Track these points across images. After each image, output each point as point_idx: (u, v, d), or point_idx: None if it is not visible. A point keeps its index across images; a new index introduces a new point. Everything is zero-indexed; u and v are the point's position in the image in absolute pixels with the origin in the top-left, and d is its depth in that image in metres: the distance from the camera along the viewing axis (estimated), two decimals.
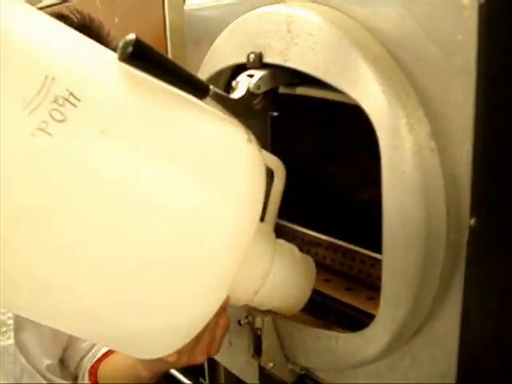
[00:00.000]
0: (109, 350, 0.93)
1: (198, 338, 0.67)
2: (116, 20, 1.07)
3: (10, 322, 0.84)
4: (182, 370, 1.24)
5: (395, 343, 0.61)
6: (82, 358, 0.94)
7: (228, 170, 0.55)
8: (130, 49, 0.48)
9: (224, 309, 0.66)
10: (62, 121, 0.44)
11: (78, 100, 0.45)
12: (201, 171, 0.52)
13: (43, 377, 0.88)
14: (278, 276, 0.68)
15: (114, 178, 0.47)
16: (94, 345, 0.94)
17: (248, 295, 0.68)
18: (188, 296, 0.54)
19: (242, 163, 0.56)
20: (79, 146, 0.45)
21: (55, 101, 0.44)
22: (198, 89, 0.55)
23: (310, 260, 0.74)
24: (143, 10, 1.02)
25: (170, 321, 0.56)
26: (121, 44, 0.49)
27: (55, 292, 0.50)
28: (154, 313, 0.54)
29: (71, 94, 0.45)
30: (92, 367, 0.93)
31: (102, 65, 0.51)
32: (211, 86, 0.56)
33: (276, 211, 0.71)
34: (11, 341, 0.84)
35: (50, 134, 0.43)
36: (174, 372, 1.24)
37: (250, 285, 0.66)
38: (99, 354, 0.94)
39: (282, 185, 0.71)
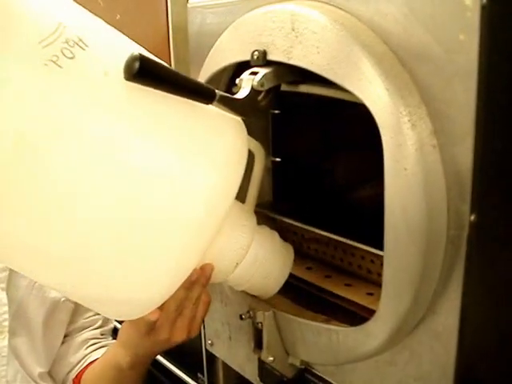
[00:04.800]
0: (93, 360, 0.92)
1: (179, 311, 0.68)
2: (118, 17, 1.07)
3: (6, 323, 0.85)
4: (180, 365, 1.24)
5: (395, 337, 0.62)
6: (68, 373, 0.94)
7: (211, 146, 0.59)
8: (136, 68, 0.50)
9: (205, 285, 0.68)
10: (71, 58, 0.51)
11: (86, 45, 0.52)
12: (184, 142, 0.57)
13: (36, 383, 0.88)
14: (259, 250, 0.70)
15: (109, 117, 0.53)
16: (81, 359, 0.94)
17: (229, 266, 0.69)
18: (164, 254, 0.58)
19: (224, 143, 0.61)
20: (84, 80, 0.52)
21: (66, 42, 0.51)
22: (204, 95, 0.57)
23: (289, 247, 0.77)
24: (145, 7, 1.03)
25: (145, 279, 0.59)
26: (125, 63, 0.51)
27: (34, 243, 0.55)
28: (129, 271, 0.58)
29: (80, 39, 0.52)
30: (76, 377, 0.92)
31: (105, 25, 0.60)
32: (217, 91, 0.57)
33: (256, 192, 0.75)
34: (5, 342, 0.85)
35: (60, 67, 0.50)
36: (172, 367, 1.25)
37: (232, 254, 0.68)
38: (84, 365, 0.93)
39: (262, 168, 0.75)
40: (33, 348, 0.89)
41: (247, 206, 0.74)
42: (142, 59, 0.50)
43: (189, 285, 0.66)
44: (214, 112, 0.60)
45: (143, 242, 0.57)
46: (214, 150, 0.59)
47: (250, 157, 0.69)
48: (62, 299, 0.91)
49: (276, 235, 0.75)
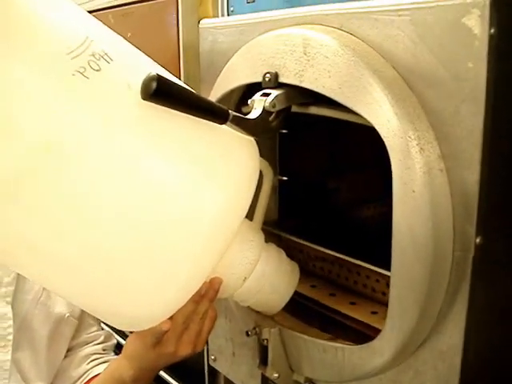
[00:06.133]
0: (94, 376, 0.92)
1: (186, 325, 0.69)
2: (129, 35, 1.09)
3: (10, 337, 0.85)
4: (182, 381, 1.25)
5: (400, 356, 0.63)
6: None
7: (224, 166, 0.61)
8: (153, 88, 0.52)
9: (212, 299, 0.69)
10: (97, 70, 0.53)
11: (111, 59, 0.55)
12: (198, 161, 0.59)
13: None
14: (265, 266, 0.72)
15: (128, 130, 0.55)
16: (83, 374, 0.93)
17: (237, 281, 0.70)
18: (175, 267, 0.60)
19: (237, 162, 0.63)
20: (109, 92, 0.54)
21: (93, 55, 0.53)
22: (218, 116, 0.59)
23: (295, 265, 0.78)
24: (156, 25, 1.05)
25: (155, 290, 0.61)
26: (143, 83, 0.53)
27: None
28: (140, 282, 0.60)
29: (106, 54, 0.55)
30: None
31: (126, 42, 0.62)
32: (230, 111, 0.59)
33: (264, 211, 0.77)
34: (8, 356, 0.84)
35: (87, 77, 0.52)
36: (174, 383, 1.25)
37: (240, 268, 0.69)
38: (85, 380, 0.93)
39: (270, 187, 0.77)
40: (36, 362, 0.89)
41: (255, 223, 0.75)
42: (160, 80, 0.52)
43: (198, 298, 0.67)
44: (227, 131, 0.61)
45: (155, 253, 0.58)
46: (227, 169, 0.61)
47: (259, 176, 0.70)
48: (67, 315, 0.91)
49: (282, 253, 0.77)
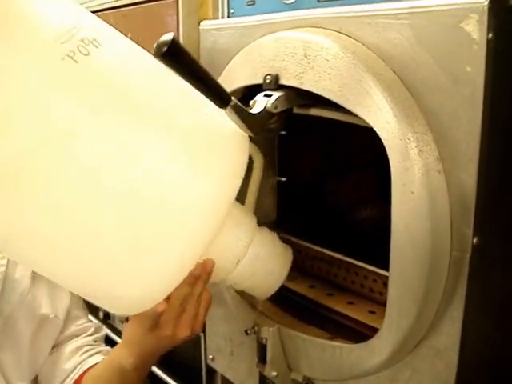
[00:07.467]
0: (89, 367, 0.92)
1: (182, 307, 0.70)
2: (129, 36, 1.10)
3: None
4: (180, 380, 1.25)
5: (397, 355, 0.64)
6: (63, 380, 0.92)
7: (214, 152, 0.62)
8: (165, 48, 0.52)
9: (206, 280, 0.70)
10: (86, 54, 0.55)
11: (100, 44, 0.56)
12: (189, 148, 0.60)
13: None
14: (259, 248, 0.72)
15: (124, 107, 0.57)
16: (77, 366, 0.92)
17: (231, 263, 0.71)
18: (168, 247, 0.61)
19: (226, 150, 0.64)
20: (98, 75, 0.56)
21: (82, 40, 0.55)
22: (220, 98, 0.59)
23: (288, 248, 0.79)
24: (156, 27, 1.05)
25: (150, 271, 0.62)
26: (158, 42, 0.53)
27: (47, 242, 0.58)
28: (135, 263, 0.61)
29: (94, 39, 0.56)
30: (73, 383, 0.92)
31: (115, 31, 0.63)
32: (233, 98, 0.59)
33: (255, 194, 0.78)
34: None
35: (76, 61, 0.54)
36: (171, 382, 1.26)
37: (234, 251, 0.70)
38: (80, 372, 0.92)
39: (260, 171, 0.78)
40: (17, 362, 0.88)
41: (247, 207, 0.77)
42: (174, 41, 0.53)
43: (192, 280, 0.68)
44: (218, 120, 0.63)
45: (147, 236, 0.60)
46: (217, 156, 0.62)
47: (250, 161, 0.72)
48: (52, 315, 0.91)
49: (275, 236, 0.78)
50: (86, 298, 0.71)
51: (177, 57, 0.54)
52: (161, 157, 0.58)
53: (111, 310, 0.69)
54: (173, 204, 0.59)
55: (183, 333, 0.72)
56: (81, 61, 0.54)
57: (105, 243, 0.59)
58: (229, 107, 0.60)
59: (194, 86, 0.57)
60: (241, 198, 0.71)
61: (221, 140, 0.63)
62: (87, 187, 0.55)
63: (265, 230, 0.76)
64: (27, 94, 0.52)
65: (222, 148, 0.63)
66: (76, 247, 0.59)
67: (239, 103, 0.61)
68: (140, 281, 0.63)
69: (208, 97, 0.58)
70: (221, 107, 0.60)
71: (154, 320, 0.71)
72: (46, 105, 0.52)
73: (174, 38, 0.52)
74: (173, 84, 0.62)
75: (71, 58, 0.53)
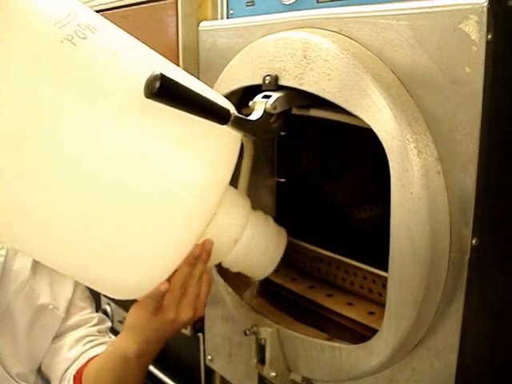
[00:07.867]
0: (92, 356, 0.92)
1: (183, 289, 0.70)
2: None
3: None
4: (178, 381, 1.25)
5: (397, 355, 0.64)
6: (67, 369, 0.93)
7: (207, 140, 0.64)
8: (156, 87, 0.53)
9: (206, 260, 0.70)
10: (83, 38, 0.57)
11: (96, 29, 0.59)
12: (184, 133, 0.62)
13: (15, 381, 0.88)
14: (255, 229, 0.74)
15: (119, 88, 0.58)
16: (80, 355, 0.92)
17: (228, 244, 0.72)
18: (167, 229, 0.63)
19: (219, 138, 0.65)
20: (96, 58, 0.58)
21: (78, 25, 0.57)
22: (219, 117, 0.60)
23: (283, 230, 0.81)
24: (156, 28, 1.05)
25: (149, 253, 0.64)
26: (146, 81, 0.54)
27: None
28: (134, 245, 0.63)
29: (90, 25, 0.59)
30: (76, 372, 0.91)
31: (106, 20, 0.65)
32: (231, 112, 0.60)
33: (247, 178, 0.81)
34: None
35: (74, 44, 0.56)
36: (170, 382, 1.26)
37: (230, 231, 0.72)
38: (83, 361, 0.91)
39: (250, 158, 0.81)
40: (15, 349, 0.89)
41: (240, 190, 0.79)
42: (163, 79, 0.53)
43: (192, 260, 0.69)
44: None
45: (146, 218, 0.61)
46: (210, 143, 0.64)
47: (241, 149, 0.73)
48: (50, 306, 0.91)
49: (270, 219, 0.79)
50: (87, 284, 0.72)
51: (169, 93, 0.56)
52: (155, 142, 0.59)
53: (112, 295, 0.70)
54: (169, 187, 0.61)
55: (186, 315, 0.72)
56: (79, 44, 0.56)
57: (102, 228, 0.61)
58: (230, 122, 0.60)
59: (192, 113, 0.58)
60: (233, 184, 0.73)
61: (215, 125, 0.64)
62: (77, 171, 0.57)
63: (259, 212, 0.78)
64: (27, 72, 0.53)
65: (216, 133, 0.64)
66: (74, 232, 0.60)
67: (239, 115, 0.62)
68: (139, 264, 0.64)
69: (208, 119, 0.59)
70: (222, 124, 0.61)
71: (157, 302, 0.71)
72: (45, 81, 0.54)
73: (161, 74, 0.54)
74: (166, 72, 0.63)
75: (70, 40, 0.55)
